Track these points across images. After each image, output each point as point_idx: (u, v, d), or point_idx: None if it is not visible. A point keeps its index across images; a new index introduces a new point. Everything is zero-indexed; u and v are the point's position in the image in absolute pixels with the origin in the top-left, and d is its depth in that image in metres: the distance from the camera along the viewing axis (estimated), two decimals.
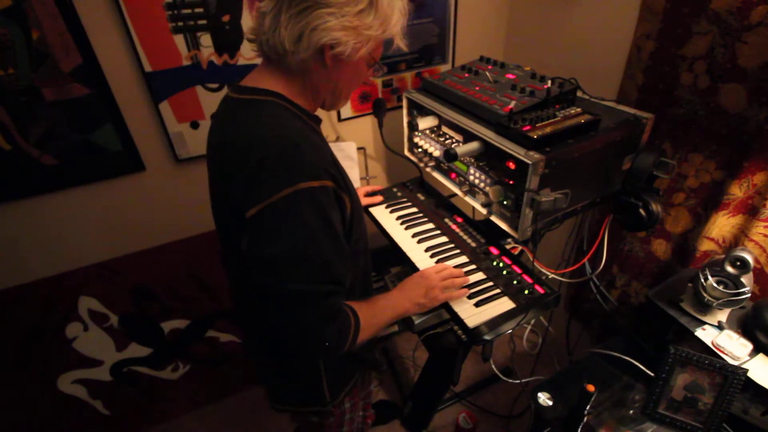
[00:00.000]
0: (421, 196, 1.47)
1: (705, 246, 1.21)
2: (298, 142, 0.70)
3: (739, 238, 1.14)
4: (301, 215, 0.68)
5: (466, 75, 1.24)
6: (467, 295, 1.06)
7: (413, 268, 1.18)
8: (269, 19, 0.71)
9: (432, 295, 0.99)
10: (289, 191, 0.66)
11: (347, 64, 0.77)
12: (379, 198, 1.45)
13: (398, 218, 1.36)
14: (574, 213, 1.13)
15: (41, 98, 1.17)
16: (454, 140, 1.20)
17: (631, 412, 1.08)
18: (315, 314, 0.73)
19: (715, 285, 1.02)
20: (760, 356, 1.00)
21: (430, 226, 1.32)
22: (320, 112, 0.88)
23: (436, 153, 1.28)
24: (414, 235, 1.28)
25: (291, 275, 0.70)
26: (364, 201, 1.43)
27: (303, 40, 0.70)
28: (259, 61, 0.82)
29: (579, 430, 1.03)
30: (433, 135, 1.28)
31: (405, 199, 1.46)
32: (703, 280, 1.04)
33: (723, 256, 1.05)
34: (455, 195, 1.30)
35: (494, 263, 1.15)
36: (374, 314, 0.88)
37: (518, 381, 1.67)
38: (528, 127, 0.96)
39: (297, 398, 1.02)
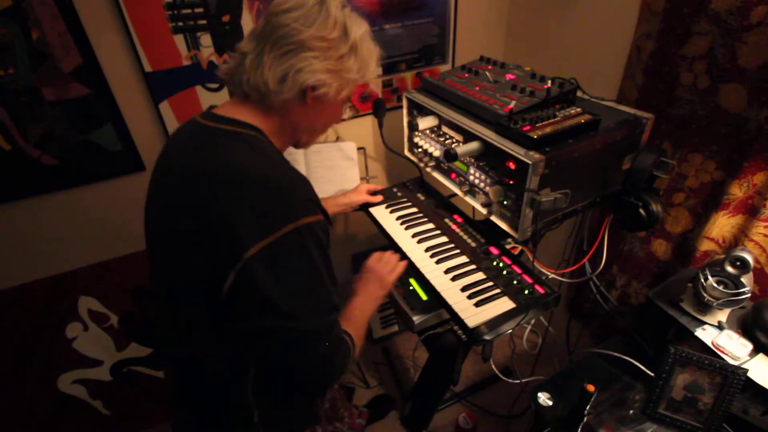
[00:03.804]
0: (421, 196, 1.47)
1: (705, 246, 1.21)
2: (293, 178, 0.72)
3: (739, 238, 1.14)
4: (306, 251, 0.68)
5: (466, 75, 1.24)
6: (405, 267, 1.14)
7: (413, 268, 1.18)
8: (251, 59, 0.73)
9: (385, 283, 1.05)
10: (292, 227, 0.66)
11: (326, 104, 0.80)
12: (380, 198, 1.45)
13: (398, 218, 1.36)
14: (574, 213, 1.13)
15: (41, 98, 1.17)
16: (454, 140, 1.20)
17: (631, 412, 1.08)
18: (327, 347, 0.73)
19: (715, 285, 1.02)
20: (760, 356, 1.00)
21: (430, 226, 1.32)
22: None
23: (436, 153, 1.28)
24: (414, 235, 1.28)
25: (303, 314, 0.69)
26: (366, 198, 1.43)
27: (288, 81, 0.72)
28: None
29: (579, 430, 1.03)
30: (433, 135, 1.28)
31: (405, 199, 1.46)
32: (703, 280, 1.04)
33: (723, 256, 1.05)
34: (455, 195, 1.30)
35: (494, 263, 1.15)
36: (357, 327, 0.88)
37: (518, 381, 1.67)
38: (528, 127, 0.96)
39: None
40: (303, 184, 0.74)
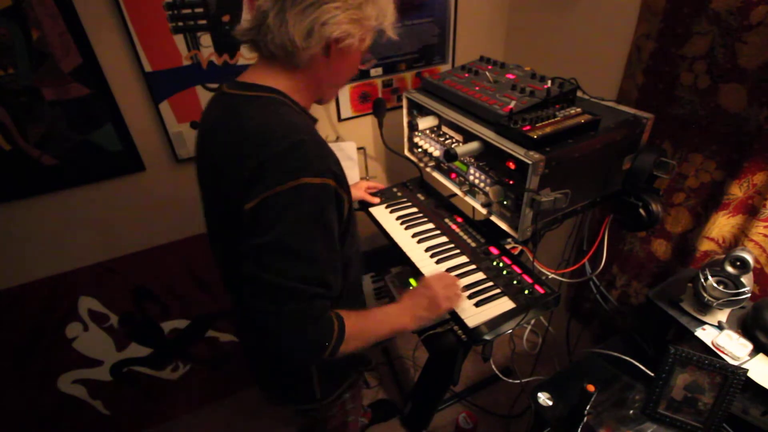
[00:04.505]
0: (421, 196, 1.47)
1: (705, 246, 1.21)
2: (304, 138, 0.70)
3: (739, 238, 1.14)
4: (298, 209, 0.68)
5: (466, 75, 1.24)
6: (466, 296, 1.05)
7: (413, 268, 1.18)
8: (273, 17, 0.71)
9: (435, 305, 0.93)
10: (291, 185, 0.66)
11: (349, 55, 0.79)
12: (378, 198, 1.45)
13: (398, 218, 1.36)
14: (574, 213, 1.13)
15: (41, 98, 1.17)
16: (454, 140, 1.20)
17: (631, 412, 1.08)
18: (295, 314, 0.69)
19: (715, 285, 1.02)
20: (760, 356, 1.00)
21: (430, 226, 1.32)
22: (319, 112, 0.89)
23: (436, 153, 1.28)
24: (414, 235, 1.28)
25: (276, 267, 0.68)
26: (364, 195, 1.43)
27: (314, 35, 0.71)
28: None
29: (579, 430, 1.03)
30: (433, 135, 1.28)
31: (405, 199, 1.46)
32: (703, 280, 1.04)
33: (723, 256, 1.05)
34: (455, 195, 1.30)
35: (494, 263, 1.15)
36: (366, 327, 0.83)
37: (518, 381, 1.67)
38: (528, 127, 0.96)
39: (289, 396, 1.02)
40: (316, 146, 0.72)
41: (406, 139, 1.44)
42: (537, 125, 0.97)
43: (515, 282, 1.08)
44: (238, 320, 1.01)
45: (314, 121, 0.85)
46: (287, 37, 0.71)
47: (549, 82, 1.08)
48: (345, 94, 1.59)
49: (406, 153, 1.46)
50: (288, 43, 0.71)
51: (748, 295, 1.00)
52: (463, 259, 1.18)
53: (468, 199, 1.20)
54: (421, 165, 1.40)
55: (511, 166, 0.98)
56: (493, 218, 1.11)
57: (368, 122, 1.71)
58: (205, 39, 1.27)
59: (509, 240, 1.25)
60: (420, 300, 0.93)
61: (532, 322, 1.17)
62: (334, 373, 1.01)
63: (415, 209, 1.41)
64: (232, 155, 0.73)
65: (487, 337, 0.97)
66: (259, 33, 0.75)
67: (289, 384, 0.99)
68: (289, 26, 0.70)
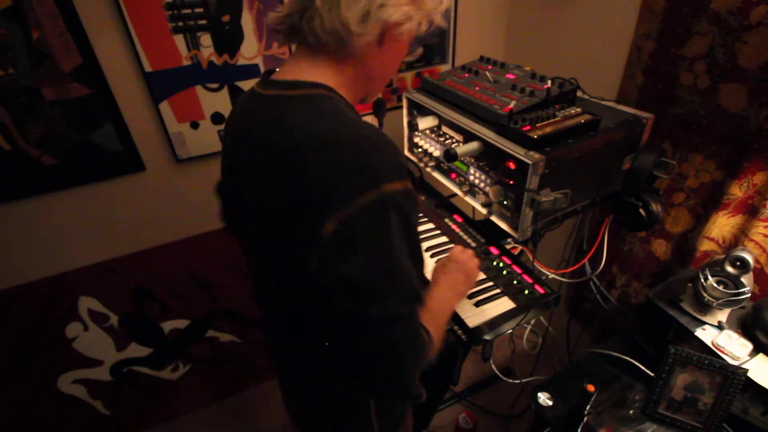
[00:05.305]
0: (421, 196, 1.47)
1: (705, 246, 1.21)
2: (375, 138, 0.61)
3: (739, 238, 1.14)
4: (386, 225, 0.58)
5: (466, 75, 1.24)
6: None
7: None
8: (321, 2, 0.61)
9: (471, 278, 0.90)
10: (371, 197, 0.56)
11: (400, 45, 0.70)
12: None
13: None
14: (574, 213, 1.13)
15: (41, 98, 1.17)
16: (454, 140, 1.20)
17: (631, 412, 1.08)
18: (402, 337, 0.62)
19: (715, 285, 1.02)
20: (760, 356, 1.00)
21: (430, 226, 1.32)
22: None
23: (436, 153, 1.28)
24: None
25: (377, 297, 0.59)
26: None
27: (370, 19, 0.61)
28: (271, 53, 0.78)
29: (579, 430, 1.03)
30: (433, 135, 1.28)
31: None
32: (703, 280, 1.04)
33: (723, 256, 1.05)
34: (455, 195, 1.30)
35: (494, 263, 1.15)
36: (436, 322, 0.74)
37: (518, 381, 1.67)
38: (528, 127, 0.96)
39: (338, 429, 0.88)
40: (387, 145, 0.61)
41: (406, 139, 1.44)
42: (537, 125, 0.97)
43: (515, 282, 1.08)
44: (276, 340, 0.90)
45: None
46: (339, 21, 0.61)
47: (549, 82, 1.08)
48: None
49: (406, 153, 1.46)
50: (340, 28, 0.61)
51: (748, 295, 1.00)
52: None
53: (468, 199, 1.20)
54: (421, 165, 1.40)
55: (511, 166, 0.98)
56: (493, 218, 1.11)
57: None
58: (205, 39, 1.27)
59: (509, 240, 1.25)
60: (456, 276, 0.89)
61: (532, 322, 1.17)
62: (393, 408, 0.90)
63: None
64: (286, 168, 0.62)
65: (487, 337, 0.97)
66: (302, 19, 0.64)
67: (343, 419, 0.86)
68: (342, 8, 0.60)
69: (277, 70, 0.73)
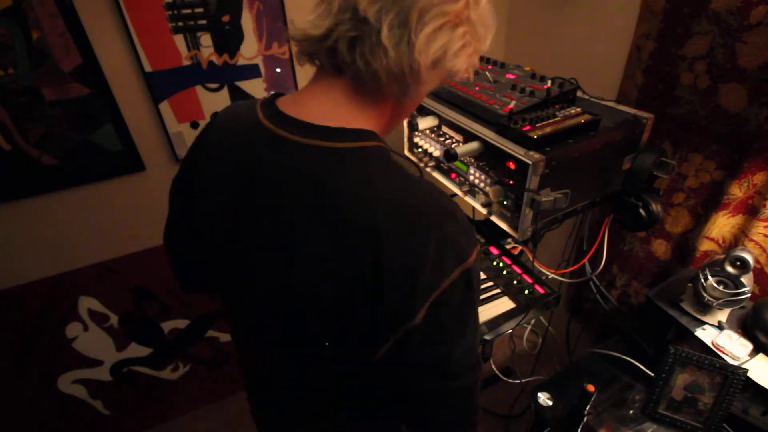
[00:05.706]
0: None
1: (705, 246, 1.21)
2: (451, 208, 0.53)
3: (739, 238, 1.14)
4: (469, 300, 0.55)
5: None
6: None
7: None
8: (388, 32, 0.48)
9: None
10: (457, 274, 0.51)
11: (437, 82, 0.60)
12: None
13: None
14: (574, 213, 1.13)
15: (41, 98, 1.17)
16: (454, 140, 1.20)
17: (631, 412, 1.08)
18: (474, 403, 0.64)
19: (715, 285, 1.02)
20: (760, 356, 1.00)
21: None
22: None
23: (436, 153, 1.28)
24: None
25: (461, 371, 0.58)
26: None
27: (439, 66, 0.52)
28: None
29: (579, 430, 1.03)
30: (433, 135, 1.28)
31: None
32: (703, 280, 1.04)
33: (723, 256, 1.05)
34: (455, 195, 1.29)
35: (494, 263, 1.15)
36: None
37: (518, 381, 1.66)
38: (528, 127, 0.96)
39: None
40: (459, 211, 0.54)
41: (406, 139, 1.44)
42: (537, 125, 0.97)
43: (515, 282, 1.08)
44: (272, 386, 0.85)
45: None
46: (409, 65, 0.50)
47: (549, 82, 1.08)
48: None
49: (406, 153, 1.46)
50: (408, 72, 0.50)
51: (748, 295, 1.00)
52: None
53: (468, 199, 1.20)
54: (421, 165, 1.40)
55: (511, 166, 0.98)
56: (493, 218, 1.11)
57: None
58: (205, 39, 1.27)
59: (509, 240, 1.25)
60: None
61: (532, 322, 1.17)
62: None
63: None
64: (342, 247, 0.50)
65: (487, 337, 0.97)
66: (353, 48, 0.50)
67: None
68: (416, 49, 0.49)
69: (288, 96, 0.59)
